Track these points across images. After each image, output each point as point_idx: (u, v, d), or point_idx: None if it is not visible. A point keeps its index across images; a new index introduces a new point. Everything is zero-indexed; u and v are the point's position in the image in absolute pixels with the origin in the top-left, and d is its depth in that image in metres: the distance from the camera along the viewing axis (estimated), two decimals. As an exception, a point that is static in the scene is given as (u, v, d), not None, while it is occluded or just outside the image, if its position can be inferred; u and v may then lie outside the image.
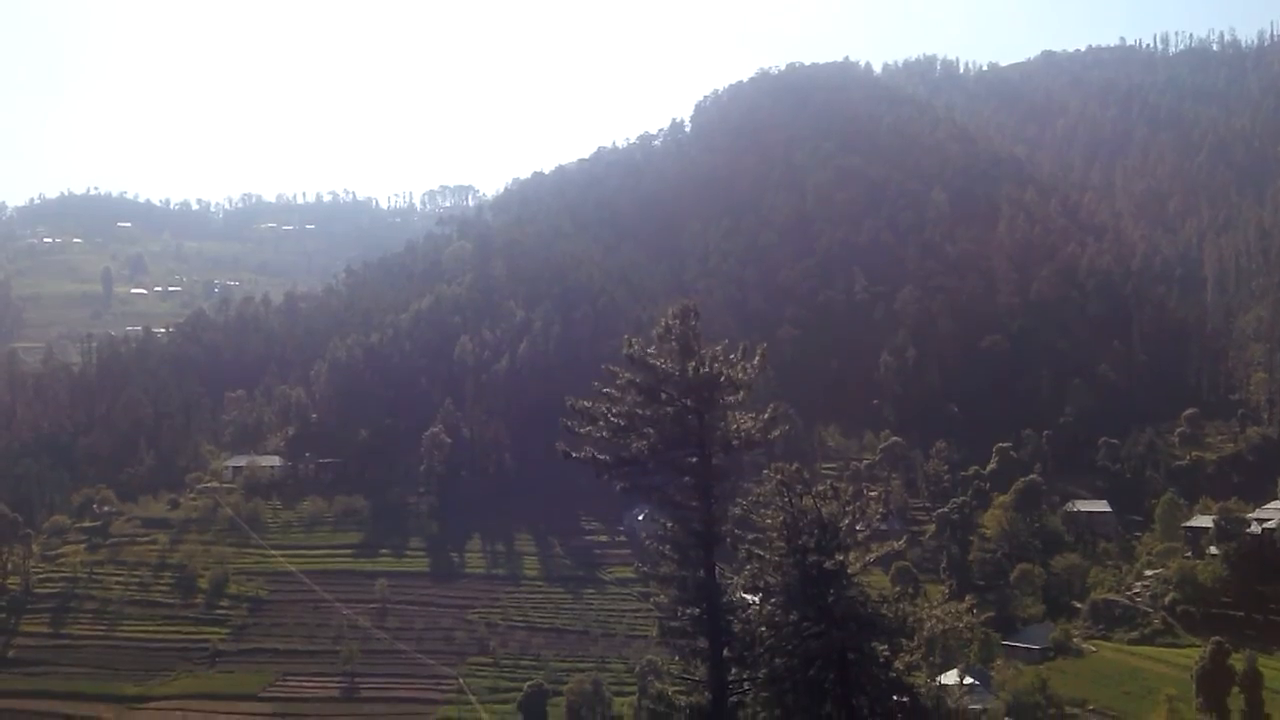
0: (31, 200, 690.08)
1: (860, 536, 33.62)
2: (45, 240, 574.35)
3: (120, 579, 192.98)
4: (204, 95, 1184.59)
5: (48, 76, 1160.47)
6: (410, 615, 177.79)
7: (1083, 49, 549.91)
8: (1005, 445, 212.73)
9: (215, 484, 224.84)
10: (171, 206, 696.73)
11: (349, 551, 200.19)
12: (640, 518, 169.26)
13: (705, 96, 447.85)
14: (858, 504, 33.74)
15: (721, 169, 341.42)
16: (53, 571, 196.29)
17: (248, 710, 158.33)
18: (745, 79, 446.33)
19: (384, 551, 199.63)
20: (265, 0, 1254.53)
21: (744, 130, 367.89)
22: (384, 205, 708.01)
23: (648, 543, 36.61)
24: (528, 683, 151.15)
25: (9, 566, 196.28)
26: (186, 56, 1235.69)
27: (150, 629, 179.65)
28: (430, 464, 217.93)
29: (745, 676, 34.50)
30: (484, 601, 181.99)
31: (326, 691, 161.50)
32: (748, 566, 33.91)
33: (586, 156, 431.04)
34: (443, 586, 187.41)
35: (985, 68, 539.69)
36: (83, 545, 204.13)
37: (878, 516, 34.18)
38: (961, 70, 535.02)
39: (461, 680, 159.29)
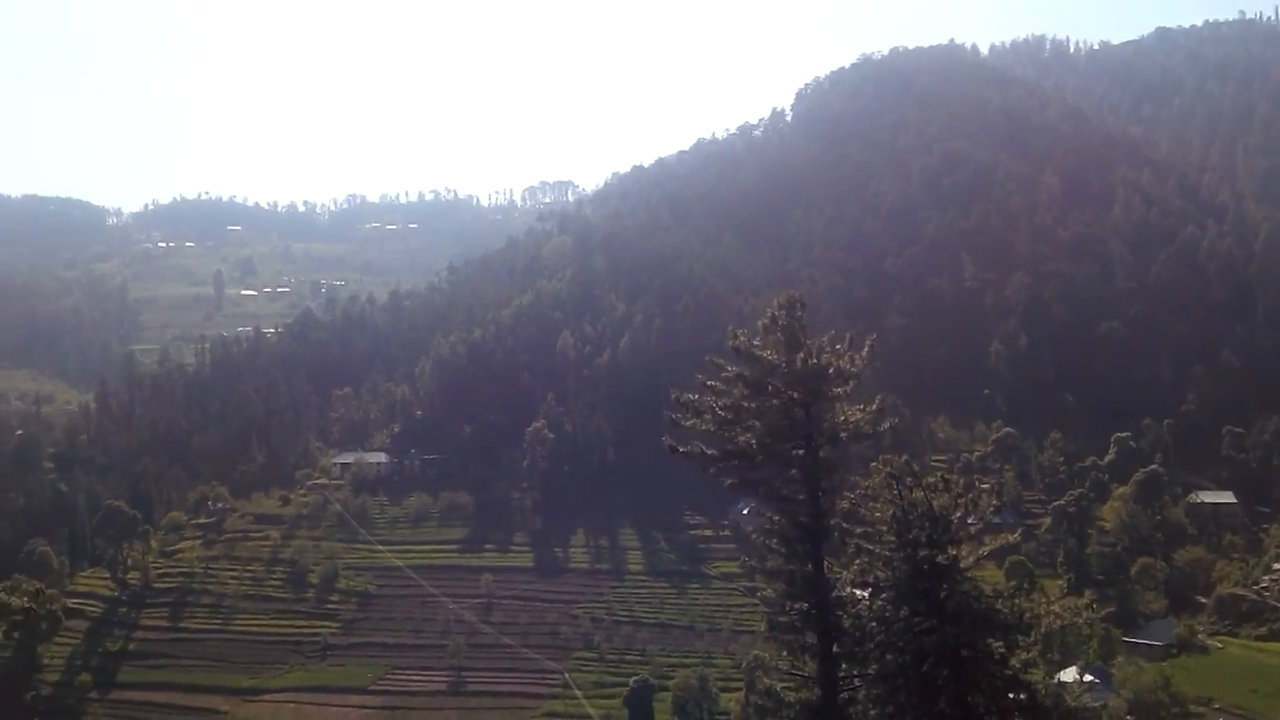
0: (146, 206, 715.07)
1: (973, 530, 32.99)
2: (160, 245, 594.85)
3: (234, 574, 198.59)
4: (309, 99, 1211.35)
5: (161, 86, 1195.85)
6: (515, 610, 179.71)
7: (1199, 24, 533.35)
8: (1124, 435, 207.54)
9: (324, 480, 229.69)
10: (279, 209, 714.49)
11: (454, 546, 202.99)
12: (745, 512, 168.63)
13: (806, 84, 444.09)
14: (970, 496, 33.10)
15: (824, 157, 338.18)
16: (170, 567, 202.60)
17: (358, 703, 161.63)
18: (847, 65, 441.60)
19: (489, 546, 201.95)
20: (364, 4, 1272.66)
21: (846, 117, 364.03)
22: (485, 203, 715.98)
23: (754, 537, 36.42)
24: (633, 678, 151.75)
25: (129, 562, 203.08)
26: (291, 62, 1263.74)
27: (263, 623, 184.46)
28: (533, 459, 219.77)
29: (856, 673, 34.11)
30: (588, 596, 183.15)
31: (434, 685, 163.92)
32: (857, 561, 33.50)
33: (686, 148, 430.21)
34: (547, 581, 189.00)
35: (1096, 46, 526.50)
36: (198, 541, 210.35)
37: (991, 509, 33.51)
38: (1072, 50, 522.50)
39: (567, 675, 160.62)
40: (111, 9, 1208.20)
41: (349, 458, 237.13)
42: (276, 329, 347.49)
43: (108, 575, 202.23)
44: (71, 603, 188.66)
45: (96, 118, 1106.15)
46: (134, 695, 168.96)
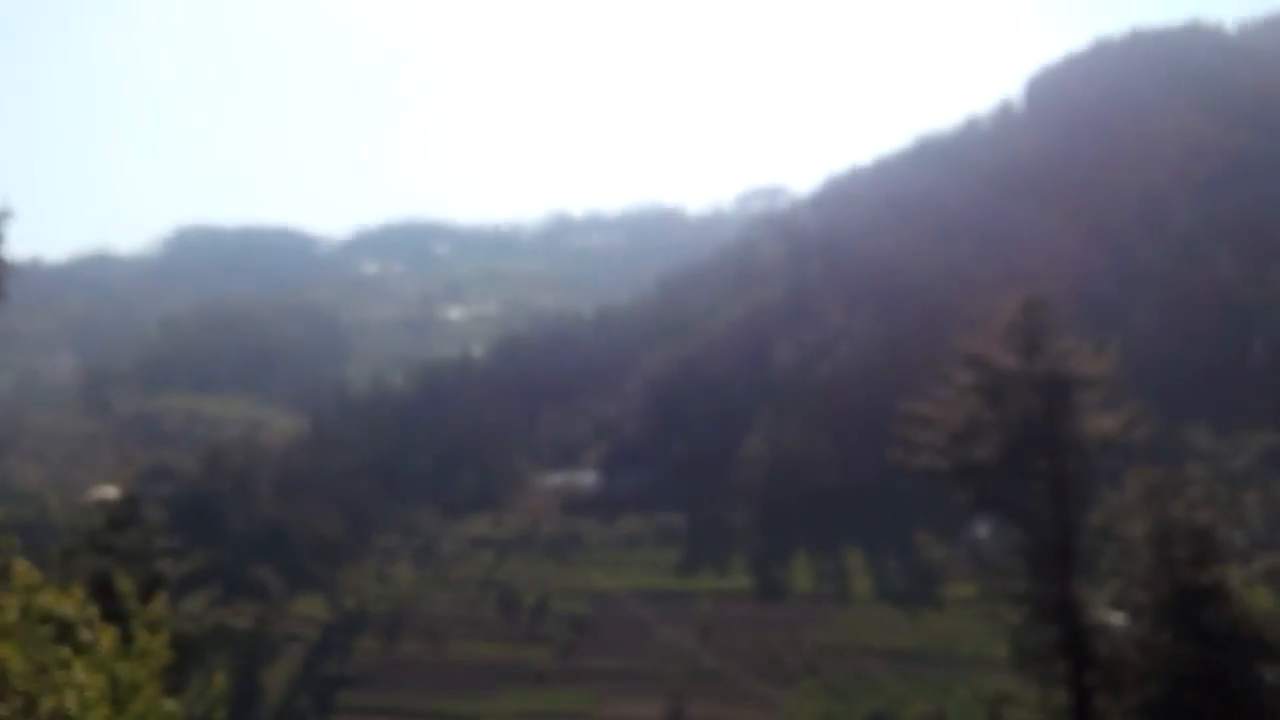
0: (356, 232, 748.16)
1: (1240, 547, 31.80)
2: (369, 269, 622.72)
3: (447, 597, 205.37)
4: (512, 117, 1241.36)
5: (366, 114, 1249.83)
6: (734, 635, 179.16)
7: None
8: None
9: (534, 502, 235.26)
10: (485, 229, 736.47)
11: (669, 569, 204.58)
12: (984, 530, 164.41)
13: (1037, 72, 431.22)
14: (1236, 511, 31.96)
15: (1059, 147, 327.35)
16: (384, 590, 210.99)
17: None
18: (1082, 48, 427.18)
19: (705, 569, 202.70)
20: (568, 17, 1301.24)
21: (1083, 104, 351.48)
22: (694, 212, 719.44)
23: (995, 557, 35.83)
24: (863, 708, 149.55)
25: (345, 586, 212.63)
26: (491, 84, 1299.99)
27: (477, 647, 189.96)
28: (749, 477, 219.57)
29: (1113, 704, 33.16)
30: (812, 621, 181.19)
31: (651, 712, 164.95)
32: (1111, 582, 32.66)
33: (907, 145, 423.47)
34: (767, 605, 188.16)
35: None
36: (411, 564, 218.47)
37: (1260, 524, 32.19)
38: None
39: (791, 704, 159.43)
40: (312, 43, 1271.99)
41: (559, 478, 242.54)
42: (484, 349, 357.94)
43: (324, 599, 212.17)
44: (290, 626, 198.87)
45: (306, 147, 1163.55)
46: (351, 718, 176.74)
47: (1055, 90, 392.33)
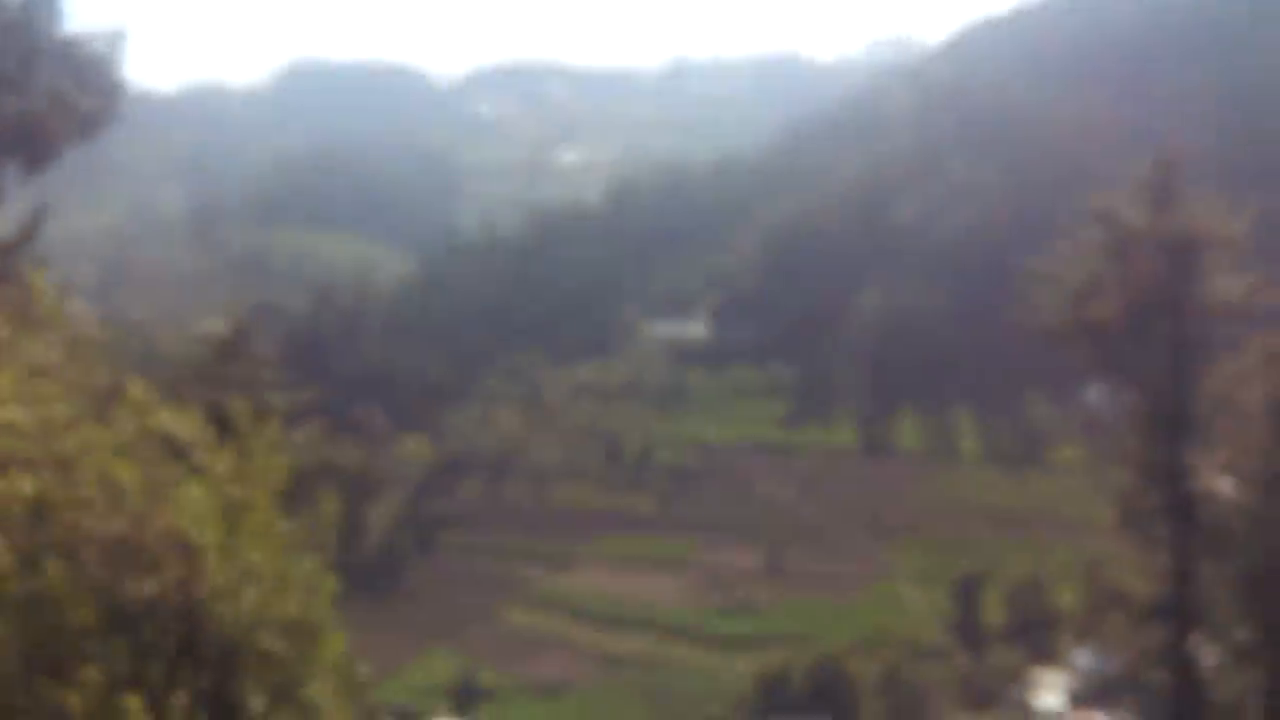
0: (472, 71, 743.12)
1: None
2: (484, 110, 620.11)
3: (551, 443, 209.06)
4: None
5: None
6: (837, 490, 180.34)
7: None
8: None
9: (643, 351, 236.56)
10: (602, 71, 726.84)
11: (775, 422, 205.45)
12: (1095, 393, 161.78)
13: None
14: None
15: (1209, 2, 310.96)
16: (489, 434, 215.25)
17: (671, 577, 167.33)
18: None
19: (811, 423, 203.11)
20: None
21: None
22: (821, 60, 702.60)
23: (1106, 420, 35.44)
24: (960, 567, 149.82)
25: (450, 428, 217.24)
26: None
27: (578, 493, 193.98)
28: (862, 333, 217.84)
29: (1214, 570, 33.03)
30: (916, 479, 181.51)
31: (749, 562, 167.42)
32: (1224, 449, 32.19)
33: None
34: (872, 462, 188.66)
35: None
36: (517, 409, 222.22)
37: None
38: None
39: (890, 560, 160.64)
40: None
41: (669, 327, 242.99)
42: (598, 195, 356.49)
43: (429, 440, 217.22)
44: (394, 466, 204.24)
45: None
46: (452, 558, 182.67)
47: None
